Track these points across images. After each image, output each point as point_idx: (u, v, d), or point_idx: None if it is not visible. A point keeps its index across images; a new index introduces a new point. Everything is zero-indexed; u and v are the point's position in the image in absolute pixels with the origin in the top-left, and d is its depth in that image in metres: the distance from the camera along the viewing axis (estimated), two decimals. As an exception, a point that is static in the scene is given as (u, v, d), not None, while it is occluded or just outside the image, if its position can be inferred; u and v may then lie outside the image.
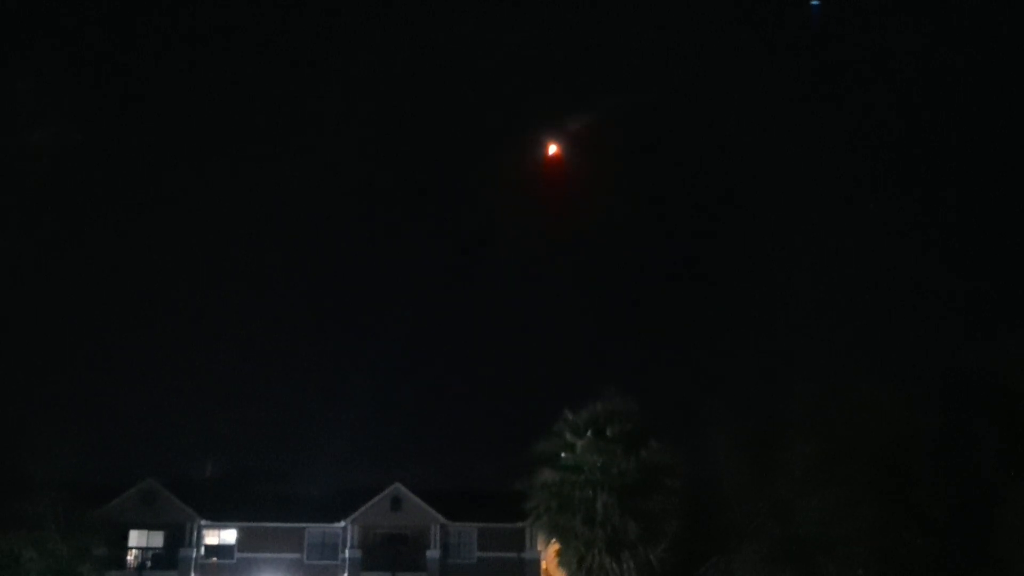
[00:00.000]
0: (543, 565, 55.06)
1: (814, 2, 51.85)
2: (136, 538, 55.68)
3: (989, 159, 76.54)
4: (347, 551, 55.49)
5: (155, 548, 55.88)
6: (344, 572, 55.39)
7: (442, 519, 55.86)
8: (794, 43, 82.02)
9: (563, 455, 43.06)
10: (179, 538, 55.40)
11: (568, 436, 43.17)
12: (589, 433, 42.67)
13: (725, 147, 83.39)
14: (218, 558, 55.97)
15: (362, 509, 55.81)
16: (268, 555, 55.52)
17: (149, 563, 55.59)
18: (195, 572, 54.98)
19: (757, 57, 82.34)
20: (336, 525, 55.97)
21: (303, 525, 56.20)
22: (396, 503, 56.25)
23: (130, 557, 55.30)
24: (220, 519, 56.26)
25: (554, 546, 46.34)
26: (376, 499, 56.05)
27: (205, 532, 56.16)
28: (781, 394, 42.62)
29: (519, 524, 51.43)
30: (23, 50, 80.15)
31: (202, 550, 55.82)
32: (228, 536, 56.38)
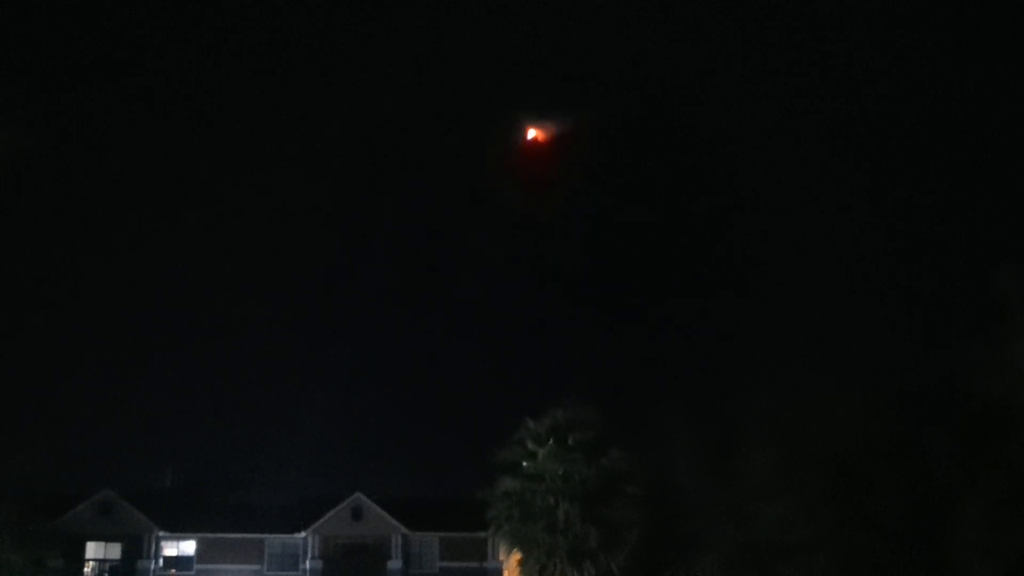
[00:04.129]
0: (505, 574, 55.05)
1: None
2: (93, 549, 55.26)
3: (959, 171, 77.46)
4: (308, 562, 55.27)
5: (112, 560, 55.48)
6: (304, 583, 55.23)
7: (403, 529, 55.74)
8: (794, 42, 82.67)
9: (524, 463, 43.29)
10: (137, 549, 55.04)
11: (529, 444, 43.39)
12: (550, 441, 42.92)
13: (701, 154, 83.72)
14: (177, 569, 55.58)
15: (323, 519, 55.60)
16: (227, 566, 55.22)
17: (106, 575, 55.14)
18: (153, 583, 54.61)
19: (748, 54, 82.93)
20: (296, 536, 55.70)
21: (263, 536, 55.92)
22: (357, 513, 56.08)
23: (87, 569, 54.91)
24: (179, 530, 55.88)
25: (516, 555, 46.42)
26: (337, 509, 55.87)
27: (163, 543, 55.79)
28: (741, 402, 42.92)
29: (481, 533, 51.38)
30: (21, 50, 79.37)
31: (160, 561, 55.51)
32: (187, 547, 56.03)
